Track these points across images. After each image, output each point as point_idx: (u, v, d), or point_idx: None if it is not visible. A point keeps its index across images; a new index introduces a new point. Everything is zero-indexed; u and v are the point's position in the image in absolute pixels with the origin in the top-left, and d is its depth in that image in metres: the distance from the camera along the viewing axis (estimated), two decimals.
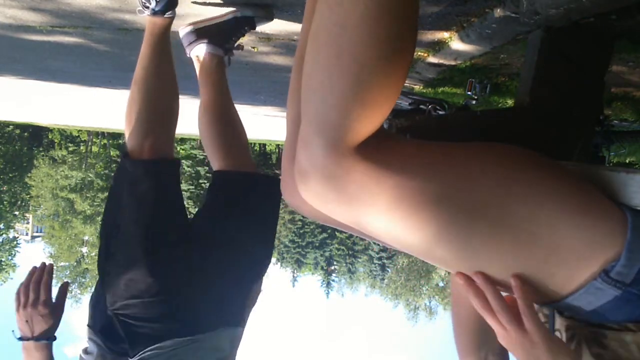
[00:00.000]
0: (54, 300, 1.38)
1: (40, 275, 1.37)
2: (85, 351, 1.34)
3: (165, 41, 1.39)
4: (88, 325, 1.35)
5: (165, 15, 1.36)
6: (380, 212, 0.66)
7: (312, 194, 0.68)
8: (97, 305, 1.33)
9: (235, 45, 1.71)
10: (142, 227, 1.28)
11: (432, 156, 0.68)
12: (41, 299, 1.33)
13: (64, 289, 1.43)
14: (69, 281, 1.51)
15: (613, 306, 0.69)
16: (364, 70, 0.61)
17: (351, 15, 0.60)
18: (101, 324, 1.31)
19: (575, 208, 0.66)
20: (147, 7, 1.34)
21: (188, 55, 1.69)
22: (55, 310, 1.36)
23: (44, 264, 1.40)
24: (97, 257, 1.36)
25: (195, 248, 1.36)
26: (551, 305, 0.75)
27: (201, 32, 1.64)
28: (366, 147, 0.65)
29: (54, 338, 1.36)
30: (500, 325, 0.70)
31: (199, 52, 1.66)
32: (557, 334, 0.83)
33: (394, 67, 0.63)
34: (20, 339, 1.33)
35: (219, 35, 1.64)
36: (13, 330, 1.36)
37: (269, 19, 1.75)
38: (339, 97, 0.62)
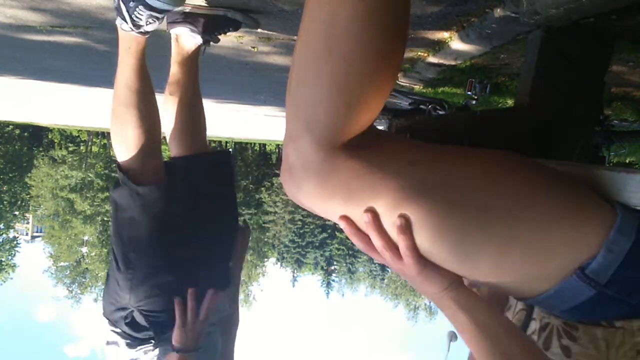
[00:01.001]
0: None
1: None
2: (108, 342, 1.47)
3: (144, 57, 1.38)
4: (105, 317, 1.47)
5: (147, 36, 1.35)
6: (359, 208, 0.67)
7: (297, 188, 0.68)
8: (116, 302, 1.44)
9: (214, 38, 1.76)
10: (158, 241, 1.40)
11: (419, 156, 0.68)
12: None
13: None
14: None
15: (587, 307, 0.70)
16: (352, 69, 0.61)
17: (340, 15, 0.60)
18: (125, 318, 1.43)
19: (558, 207, 0.67)
20: (138, 26, 1.29)
21: (167, 31, 1.71)
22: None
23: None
24: (112, 260, 1.46)
25: (186, 234, 1.48)
26: (528, 301, 0.75)
27: (189, 16, 1.67)
28: (353, 145, 0.65)
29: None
30: (385, 261, 0.74)
31: (180, 33, 1.68)
32: (533, 322, 0.84)
33: (383, 68, 0.63)
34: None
35: (206, 26, 1.67)
36: None
37: (254, 27, 1.84)
38: (326, 95, 0.62)
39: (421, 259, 0.70)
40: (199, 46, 1.70)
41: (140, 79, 1.36)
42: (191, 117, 1.69)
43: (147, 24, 1.28)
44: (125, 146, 1.37)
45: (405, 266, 0.71)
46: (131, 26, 1.28)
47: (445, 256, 0.68)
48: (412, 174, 0.65)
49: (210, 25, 1.67)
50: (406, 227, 0.66)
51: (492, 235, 0.66)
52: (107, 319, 1.46)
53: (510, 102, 2.54)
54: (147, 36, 1.34)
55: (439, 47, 2.08)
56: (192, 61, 1.69)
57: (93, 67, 3.99)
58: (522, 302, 0.88)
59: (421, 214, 0.65)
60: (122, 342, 1.44)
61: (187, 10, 1.67)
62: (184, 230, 1.47)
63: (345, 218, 0.70)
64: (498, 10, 1.46)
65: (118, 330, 1.44)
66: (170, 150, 1.72)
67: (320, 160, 0.64)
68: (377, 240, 0.70)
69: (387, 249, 0.70)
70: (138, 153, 1.36)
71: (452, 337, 0.98)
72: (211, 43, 1.74)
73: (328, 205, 0.69)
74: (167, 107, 1.67)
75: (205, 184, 1.63)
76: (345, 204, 0.67)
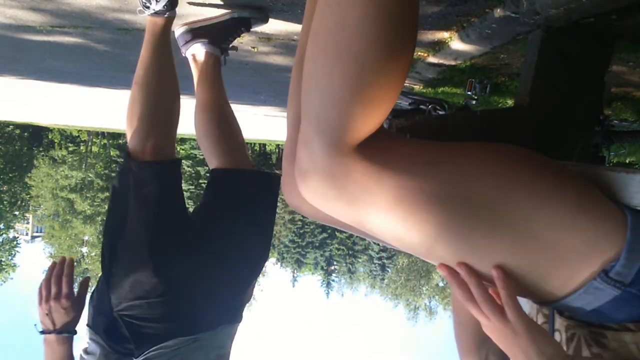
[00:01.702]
0: (75, 294, 1.40)
1: (61, 270, 1.39)
2: (86, 351, 1.33)
3: (165, 41, 1.39)
4: (88, 325, 1.34)
5: (166, 16, 1.36)
6: (380, 211, 0.66)
7: (312, 193, 0.68)
8: (99, 306, 1.33)
9: (231, 45, 1.71)
10: (148, 229, 1.28)
11: (433, 155, 0.68)
12: (63, 292, 1.36)
13: (85, 284, 1.45)
14: (89, 276, 1.43)
15: (612, 306, 0.69)
16: (364, 70, 0.61)
17: (350, 15, 0.60)
18: (105, 324, 1.30)
19: (575, 208, 0.66)
20: (148, 8, 1.33)
21: (183, 55, 1.68)
22: (77, 304, 1.38)
23: (64, 258, 1.42)
24: (100, 257, 1.36)
25: (195, 248, 1.36)
26: (551, 305, 0.74)
27: (198, 31, 1.64)
28: (366, 146, 0.65)
29: (75, 332, 1.37)
30: (483, 316, 0.70)
31: (195, 51, 1.65)
32: (557, 334, 0.83)
33: (394, 67, 0.63)
34: (42, 332, 1.35)
35: (217, 35, 1.63)
36: (35, 324, 1.37)
37: (264, 20, 1.77)
38: (339, 96, 0.62)
39: (524, 314, 0.67)
40: (219, 58, 1.65)
41: (152, 59, 1.35)
42: (225, 130, 1.62)
43: (154, 3, 1.31)
44: (130, 122, 1.34)
45: (509, 322, 0.67)
46: (142, 8, 1.34)
47: (468, 259, 0.67)
48: (429, 174, 0.65)
49: (222, 34, 1.64)
50: (505, 276, 0.65)
51: (515, 236, 0.65)
52: (88, 326, 1.34)
53: (510, 102, 2.54)
54: (161, 17, 1.35)
55: (439, 47, 2.07)
56: (215, 76, 1.65)
57: (93, 67, 3.99)
58: (542, 308, 0.87)
59: (443, 218, 0.64)
60: (99, 352, 1.29)
61: (193, 27, 1.64)
62: (192, 240, 1.35)
63: (445, 267, 0.68)
64: (498, 10, 1.46)
65: (96, 338, 1.30)
66: (209, 164, 1.64)
67: (333, 162, 0.64)
68: (477, 293, 0.68)
69: (487, 302, 0.67)
70: (139, 130, 1.32)
71: None
72: (229, 51, 1.69)
73: (344, 209, 0.68)
74: (200, 124, 1.61)
75: (237, 202, 1.51)
76: (363, 206, 0.66)
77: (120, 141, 31.84)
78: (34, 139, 32.82)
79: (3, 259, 28.09)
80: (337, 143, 0.63)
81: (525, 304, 0.89)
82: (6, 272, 28.07)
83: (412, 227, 0.66)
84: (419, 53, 2.30)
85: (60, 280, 1.37)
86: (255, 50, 2.58)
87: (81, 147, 33.25)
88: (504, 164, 0.69)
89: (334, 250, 33.31)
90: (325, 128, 0.63)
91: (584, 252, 0.66)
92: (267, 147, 36.33)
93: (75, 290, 1.41)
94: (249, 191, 1.54)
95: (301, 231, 32.23)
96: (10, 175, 29.63)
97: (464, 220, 0.65)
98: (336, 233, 32.05)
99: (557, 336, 0.82)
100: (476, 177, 0.66)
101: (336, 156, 0.64)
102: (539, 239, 0.65)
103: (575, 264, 0.67)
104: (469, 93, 2.28)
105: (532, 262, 0.67)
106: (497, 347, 1.05)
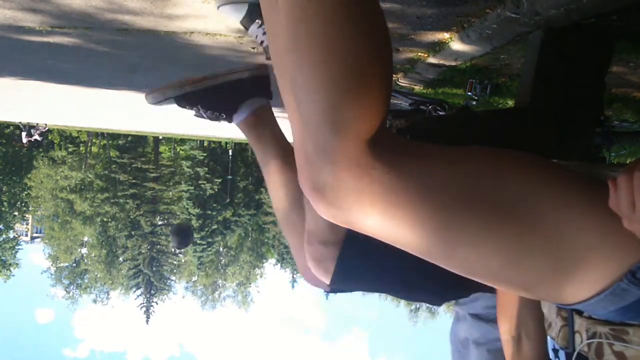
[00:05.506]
0: None
1: None
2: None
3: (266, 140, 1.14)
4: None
5: (247, 116, 1.12)
6: (403, 211, 0.65)
7: (331, 206, 0.66)
8: None
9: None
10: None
11: (451, 156, 0.67)
12: None
13: None
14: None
15: (637, 306, 0.69)
16: (355, 72, 0.61)
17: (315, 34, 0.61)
18: None
19: (602, 210, 0.66)
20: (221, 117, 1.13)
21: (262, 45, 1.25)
22: None
23: None
24: None
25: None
26: (571, 306, 0.74)
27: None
28: (380, 145, 0.64)
29: None
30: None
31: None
32: (577, 335, 0.82)
33: (382, 58, 0.63)
34: None
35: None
36: None
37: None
38: (324, 93, 0.61)
39: None
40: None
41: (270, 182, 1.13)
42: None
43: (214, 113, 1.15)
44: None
45: None
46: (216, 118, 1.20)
47: (492, 259, 0.66)
48: (452, 173, 0.65)
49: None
50: None
51: (545, 239, 0.65)
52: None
53: (510, 103, 2.54)
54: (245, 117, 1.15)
55: (439, 47, 2.07)
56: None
57: (93, 68, 3.99)
58: (562, 311, 0.86)
59: (469, 217, 0.64)
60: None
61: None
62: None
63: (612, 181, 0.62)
64: (498, 10, 1.46)
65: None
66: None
67: (350, 161, 0.63)
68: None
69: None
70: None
71: None
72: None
73: (369, 216, 0.66)
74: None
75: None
76: (388, 208, 0.65)
77: (119, 142, 31.85)
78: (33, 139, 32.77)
79: (4, 258, 28.17)
80: (348, 140, 0.62)
81: (544, 306, 0.88)
82: (7, 270, 28.15)
83: (437, 225, 0.65)
84: (419, 54, 2.30)
85: None
86: (255, 51, 2.58)
87: (81, 148, 33.25)
88: (530, 165, 0.68)
89: None
90: (333, 127, 0.62)
91: (612, 254, 0.65)
92: None
93: None
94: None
95: None
96: (9, 175, 29.66)
97: (492, 220, 0.64)
98: None
99: (577, 338, 0.82)
100: (504, 178, 0.65)
101: (352, 153, 0.63)
102: (569, 242, 0.65)
103: (604, 266, 0.66)
104: (470, 94, 2.28)
105: (560, 264, 0.66)
106: (532, 331, 1.04)
